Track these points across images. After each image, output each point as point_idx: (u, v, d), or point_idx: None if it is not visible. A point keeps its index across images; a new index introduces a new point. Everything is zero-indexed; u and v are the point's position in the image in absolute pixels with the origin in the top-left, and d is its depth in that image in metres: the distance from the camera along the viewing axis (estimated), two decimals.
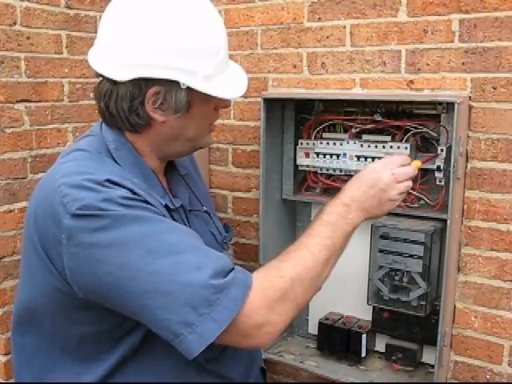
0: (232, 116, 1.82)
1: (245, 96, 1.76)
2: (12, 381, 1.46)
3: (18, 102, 1.56)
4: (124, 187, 0.98)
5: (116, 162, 1.06)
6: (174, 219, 1.10)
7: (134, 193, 0.99)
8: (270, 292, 0.97)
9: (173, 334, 0.92)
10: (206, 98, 1.07)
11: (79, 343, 1.05)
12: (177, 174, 1.24)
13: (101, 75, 1.07)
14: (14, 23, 1.53)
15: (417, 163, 1.21)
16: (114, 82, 1.05)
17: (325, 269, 1.06)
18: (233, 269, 0.96)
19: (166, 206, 1.09)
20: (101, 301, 0.97)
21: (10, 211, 1.57)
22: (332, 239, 1.07)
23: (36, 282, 1.05)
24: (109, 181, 0.97)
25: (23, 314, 1.12)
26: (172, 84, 1.04)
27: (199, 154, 1.82)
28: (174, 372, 1.07)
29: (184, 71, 1.04)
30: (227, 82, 1.10)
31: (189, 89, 1.05)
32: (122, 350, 1.03)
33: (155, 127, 1.09)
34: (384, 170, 1.15)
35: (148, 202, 1.00)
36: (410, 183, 1.16)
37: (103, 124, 1.13)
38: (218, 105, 1.13)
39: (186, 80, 1.04)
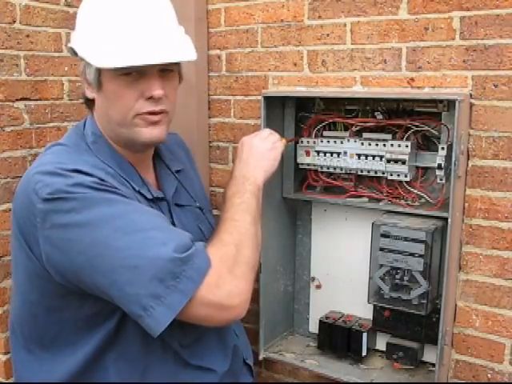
0: (232, 114, 1.81)
1: (245, 94, 1.77)
2: (12, 380, 1.46)
3: (17, 100, 1.56)
4: (93, 176, 1.02)
5: (95, 155, 1.12)
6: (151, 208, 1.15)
7: (104, 180, 1.03)
8: (225, 260, 1.04)
9: (142, 308, 0.96)
10: (114, 76, 1.06)
11: (58, 333, 1.09)
12: (166, 170, 1.28)
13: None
14: (14, 21, 1.53)
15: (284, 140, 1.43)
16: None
17: (255, 227, 1.16)
18: (194, 244, 1.03)
19: (142, 195, 1.14)
20: (75, 281, 1.01)
21: (10, 210, 1.56)
22: (245, 203, 1.18)
23: (19, 270, 1.11)
24: (77, 171, 1.02)
25: (10, 311, 1.19)
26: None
27: (199, 153, 1.83)
28: (150, 360, 1.11)
29: (80, 39, 1.11)
30: (123, 51, 1.03)
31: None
32: (99, 338, 1.07)
33: (95, 104, 1.15)
34: (249, 138, 1.35)
35: (116, 188, 1.04)
36: (276, 135, 1.39)
37: (88, 117, 1.19)
38: (143, 92, 1.08)
39: (76, 46, 1.11)
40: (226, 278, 1.02)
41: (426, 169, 1.50)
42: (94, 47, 1.05)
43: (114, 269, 0.96)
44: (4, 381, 1.57)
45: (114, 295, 0.98)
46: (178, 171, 1.31)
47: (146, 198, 1.14)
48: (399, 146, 1.46)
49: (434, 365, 1.47)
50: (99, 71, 1.07)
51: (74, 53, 1.12)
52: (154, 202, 1.16)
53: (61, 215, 0.97)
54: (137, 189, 1.13)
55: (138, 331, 1.03)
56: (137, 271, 0.95)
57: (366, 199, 1.56)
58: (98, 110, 1.15)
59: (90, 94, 1.12)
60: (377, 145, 1.49)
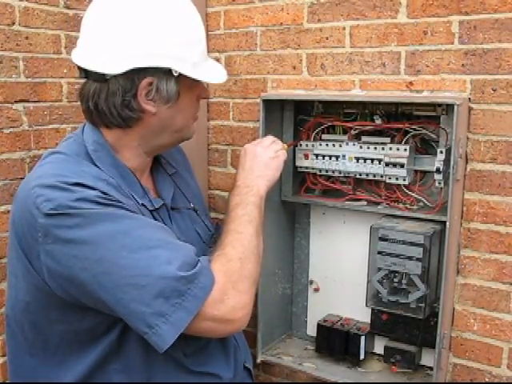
0: (231, 117, 1.81)
1: (244, 97, 1.77)
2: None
3: (16, 102, 1.56)
4: (96, 189, 1.00)
5: (95, 164, 1.08)
6: (154, 218, 1.14)
7: (106, 194, 1.01)
8: (229, 275, 1.05)
9: (147, 326, 0.96)
10: (191, 86, 1.12)
11: (60, 342, 1.08)
12: (163, 173, 1.27)
13: (88, 74, 1.08)
14: (13, 23, 1.52)
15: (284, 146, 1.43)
16: (104, 79, 1.06)
17: (258, 239, 1.17)
18: (199, 260, 1.03)
19: (145, 206, 1.12)
20: (78, 296, 1.00)
21: (8, 212, 1.56)
22: (248, 214, 1.19)
23: (18, 281, 1.08)
24: (79, 184, 0.99)
25: (8, 316, 1.15)
26: (163, 74, 1.07)
27: (198, 155, 1.83)
28: (154, 370, 1.10)
29: (174, 59, 1.07)
30: (211, 69, 1.17)
31: (178, 78, 1.08)
32: (101, 348, 1.06)
33: (146, 120, 1.11)
34: (252, 147, 1.35)
35: (120, 202, 1.02)
36: (279, 143, 1.40)
37: (86, 126, 1.15)
38: (199, 95, 1.18)
39: (177, 67, 1.07)
40: (230, 294, 1.03)
41: (424, 172, 1.50)
42: (202, 69, 1.12)
43: (120, 287, 0.95)
44: (2, 382, 1.57)
45: (119, 311, 0.97)
46: (173, 173, 1.30)
47: (147, 208, 1.13)
48: (398, 149, 1.46)
49: (431, 368, 1.47)
50: (179, 84, 1.09)
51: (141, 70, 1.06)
52: (155, 211, 1.16)
53: (64, 231, 0.96)
54: (140, 202, 1.11)
55: (141, 342, 1.02)
56: (142, 290, 0.95)
57: (365, 202, 1.57)
58: (159, 122, 1.11)
59: (152, 109, 1.09)
60: (375, 148, 1.49)
